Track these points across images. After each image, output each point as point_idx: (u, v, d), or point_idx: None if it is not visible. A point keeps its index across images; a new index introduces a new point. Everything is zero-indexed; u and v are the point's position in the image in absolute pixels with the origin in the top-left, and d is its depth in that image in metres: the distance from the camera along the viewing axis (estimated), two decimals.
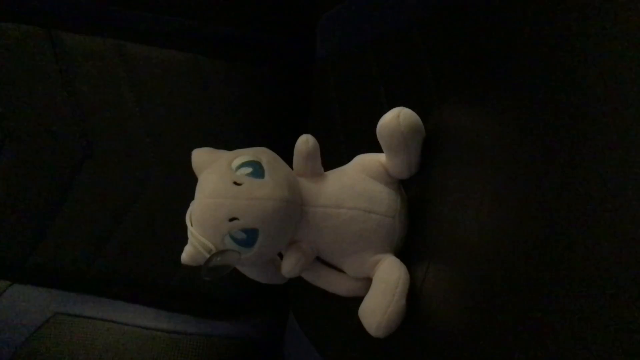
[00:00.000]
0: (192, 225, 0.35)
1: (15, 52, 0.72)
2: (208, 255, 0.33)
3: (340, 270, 0.39)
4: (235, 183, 0.34)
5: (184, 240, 0.35)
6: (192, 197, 0.36)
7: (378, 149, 0.37)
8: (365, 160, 0.39)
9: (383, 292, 0.35)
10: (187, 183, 0.38)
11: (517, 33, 0.28)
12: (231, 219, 0.33)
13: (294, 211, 0.35)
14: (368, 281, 0.37)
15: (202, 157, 0.37)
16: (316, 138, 0.37)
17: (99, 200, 0.74)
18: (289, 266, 0.36)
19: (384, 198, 0.37)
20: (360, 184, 0.37)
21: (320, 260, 0.39)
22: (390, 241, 0.37)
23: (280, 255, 0.38)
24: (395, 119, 0.35)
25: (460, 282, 0.30)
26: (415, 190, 0.39)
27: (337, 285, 0.39)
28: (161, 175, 0.74)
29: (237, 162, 0.35)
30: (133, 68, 0.73)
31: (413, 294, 0.35)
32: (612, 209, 0.20)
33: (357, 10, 0.55)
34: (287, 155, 0.38)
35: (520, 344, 0.24)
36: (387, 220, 0.37)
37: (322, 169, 0.38)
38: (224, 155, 0.36)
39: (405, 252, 0.38)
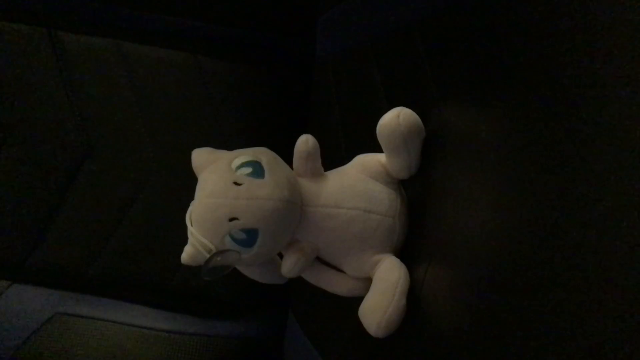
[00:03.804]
0: (192, 225, 0.35)
1: (15, 52, 0.72)
2: (208, 255, 0.33)
3: (340, 270, 0.39)
4: (235, 183, 0.34)
5: (183, 240, 0.35)
6: (192, 197, 0.36)
7: (378, 149, 0.37)
8: (365, 160, 0.39)
9: (383, 292, 0.35)
10: (187, 183, 0.38)
11: (518, 33, 0.28)
12: (231, 219, 0.33)
13: (294, 211, 0.35)
14: (368, 281, 0.37)
15: (202, 157, 0.37)
16: (316, 138, 0.37)
17: (99, 200, 0.74)
18: (289, 266, 0.36)
19: (384, 198, 0.37)
20: (360, 184, 0.37)
21: (320, 260, 0.39)
22: (390, 241, 0.37)
23: (280, 255, 0.38)
24: (395, 119, 0.35)
25: (460, 282, 0.30)
26: (415, 190, 0.39)
27: (337, 285, 0.39)
28: (161, 175, 0.74)
29: (237, 162, 0.35)
30: (133, 68, 0.73)
31: (413, 294, 0.35)
32: (614, 208, 0.20)
33: (357, 10, 0.55)
34: (287, 155, 0.38)
35: (519, 344, 0.24)
36: (387, 220, 0.37)
37: (322, 169, 0.38)
38: (224, 155, 0.36)
39: (405, 252, 0.38)
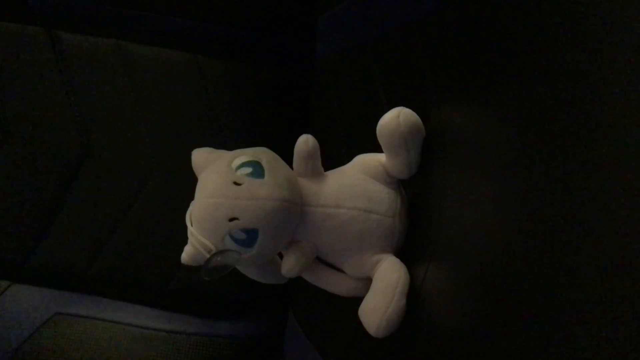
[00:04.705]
0: (192, 225, 0.35)
1: (15, 52, 0.72)
2: (208, 255, 0.33)
3: (340, 270, 0.39)
4: (235, 183, 0.34)
5: (183, 240, 0.35)
6: (192, 197, 0.36)
7: (378, 149, 0.37)
8: (365, 160, 0.39)
9: (383, 292, 0.35)
10: (187, 183, 0.38)
11: (517, 33, 0.28)
12: (231, 219, 0.33)
13: (294, 211, 0.35)
14: (368, 281, 0.37)
15: (202, 157, 0.37)
16: (316, 138, 0.37)
17: (99, 200, 0.74)
18: (289, 266, 0.36)
19: (384, 198, 0.37)
20: (360, 184, 0.37)
21: (320, 260, 0.39)
22: (390, 241, 0.37)
23: (280, 255, 0.38)
24: (395, 119, 0.35)
25: (460, 282, 0.30)
26: (415, 190, 0.39)
27: (337, 285, 0.39)
28: (161, 175, 0.74)
29: (237, 162, 0.35)
30: (133, 68, 0.73)
31: (413, 294, 0.35)
32: (613, 208, 0.20)
33: (357, 10, 0.55)
34: (287, 155, 0.38)
35: (519, 343, 0.24)
36: (387, 220, 0.37)
37: (322, 169, 0.38)
38: (223, 155, 0.36)
39: (405, 252, 0.38)
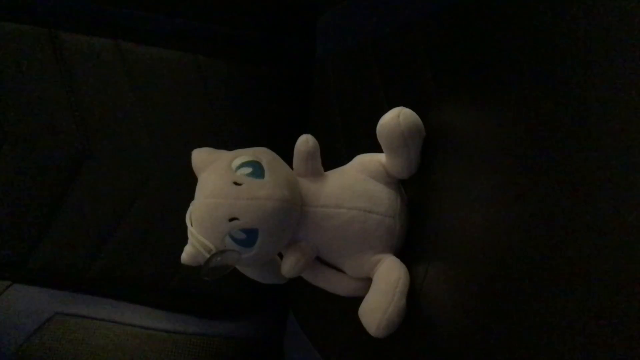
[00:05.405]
0: (192, 225, 0.35)
1: (15, 52, 0.72)
2: (208, 255, 0.33)
3: (340, 270, 0.39)
4: (235, 183, 0.34)
5: (183, 240, 0.35)
6: (192, 197, 0.36)
7: (378, 149, 0.37)
8: (365, 160, 0.39)
9: (383, 292, 0.35)
10: (187, 183, 0.38)
11: (517, 33, 0.28)
12: (231, 219, 0.33)
13: (293, 211, 0.35)
14: (368, 281, 0.37)
15: (202, 157, 0.37)
16: (316, 138, 0.37)
17: (99, 200, 0.74)
18: (289, 266, 0.36)
19: (384, 198, 0.37)
20: (360, 184, 0.37)
21: (320, 260, 0.39)
22: (390, 241, 0.37)
23: (280, 255, 0.38)
24: (395, 119, 0.35)
25: (460, 282, 0.30)
26: (415, 190, 0.39)
27: (337, 285, 0.39)
28: (161, 175, 0.74)
29: (237, 162, 0.35)
30: (133, 68, 0.73)
31: (413, 294, 0.35)
32: (613, 208, 0.20)
33: (357, 10, 0.55)
34: (287, 155, 0.38)
35: (519, 343, 0.24)
36: (387, 220, 0.37)
37: (322, 169, 0.38)
38: (224, 155, 0.36)
39: (405, 252, 0.38)
